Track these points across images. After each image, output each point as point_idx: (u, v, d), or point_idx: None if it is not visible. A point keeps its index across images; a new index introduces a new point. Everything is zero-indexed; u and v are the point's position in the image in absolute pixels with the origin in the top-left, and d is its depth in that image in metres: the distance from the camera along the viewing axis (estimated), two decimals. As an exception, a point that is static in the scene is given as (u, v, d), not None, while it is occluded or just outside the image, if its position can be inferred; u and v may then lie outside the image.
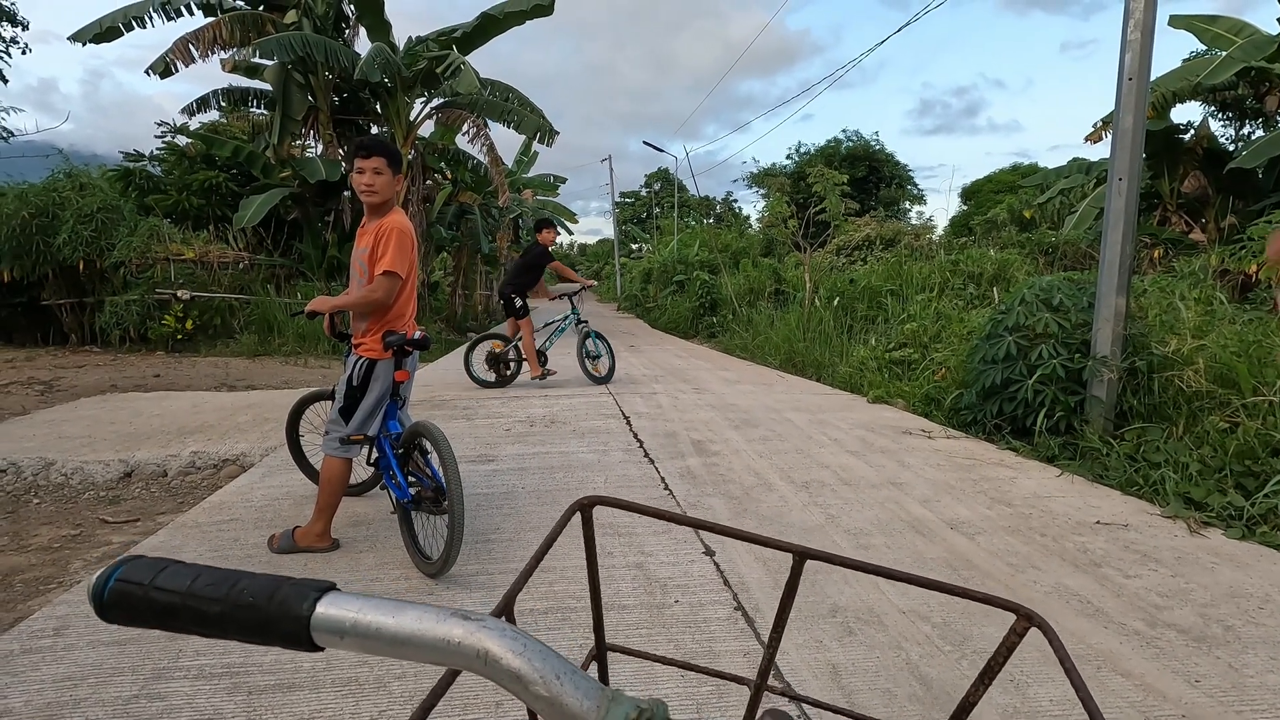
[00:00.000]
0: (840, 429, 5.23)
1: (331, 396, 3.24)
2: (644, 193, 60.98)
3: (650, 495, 3.62)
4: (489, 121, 12.62)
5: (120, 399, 6.70)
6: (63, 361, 9.59)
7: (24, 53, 14.07)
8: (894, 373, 7.04)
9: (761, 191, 37.12)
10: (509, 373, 7.26)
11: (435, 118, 13.17)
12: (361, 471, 3.40)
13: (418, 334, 2.75)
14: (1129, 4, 4.25)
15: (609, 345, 7.55)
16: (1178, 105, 11.14)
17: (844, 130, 36.79)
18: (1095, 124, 12.01)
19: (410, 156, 13.07)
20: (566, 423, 5.40)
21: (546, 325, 7.62)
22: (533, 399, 6.49)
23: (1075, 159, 15.89)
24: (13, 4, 13.91)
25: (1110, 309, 4.38)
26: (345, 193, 13.03)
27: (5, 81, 13.55)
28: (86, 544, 3.50)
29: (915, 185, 39.57)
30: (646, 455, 4.42)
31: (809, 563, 0.62)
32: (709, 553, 2.87)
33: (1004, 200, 21.87)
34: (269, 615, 0.38)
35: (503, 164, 13.02)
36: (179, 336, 10.73)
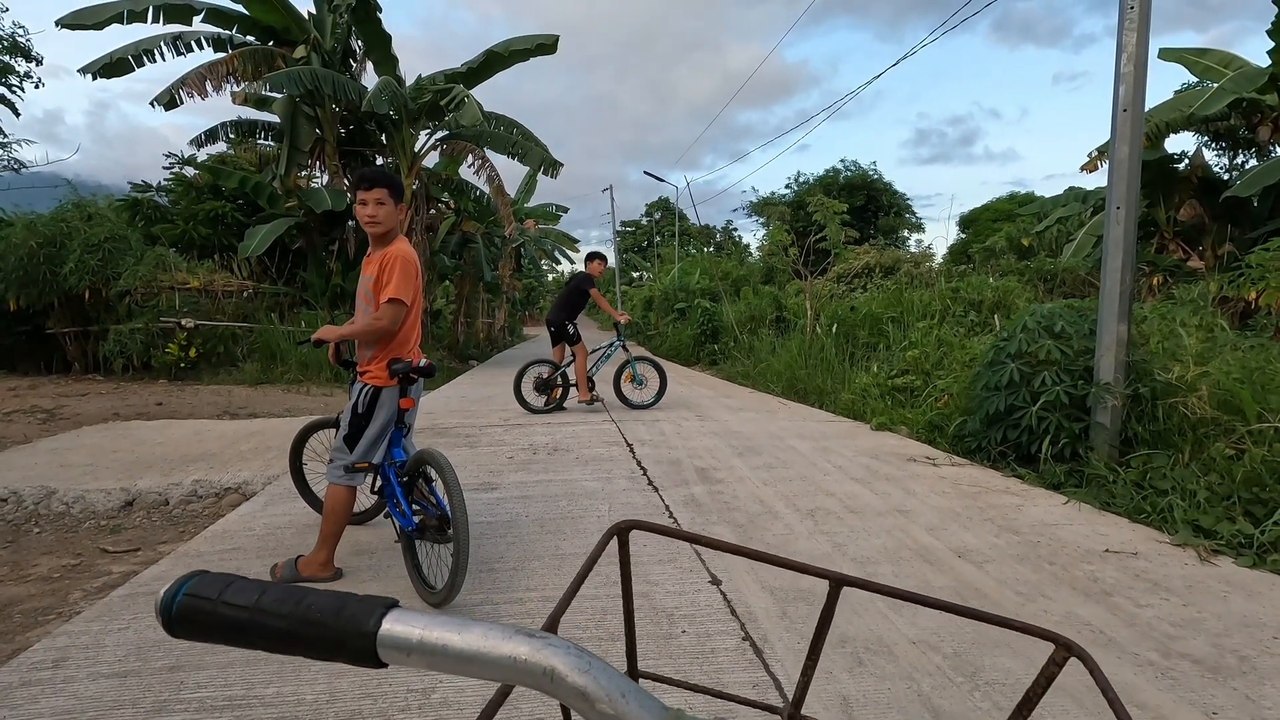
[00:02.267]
0: (844, 456, 5.21)
1: (335, 425, 3.25)
2: (645, 221, 61.62)
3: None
4: (494, 153, 12.81)
5: (123, 427, 6.69)
6: (66, 390, 9.60)
7: (37, 87, 14.37)
8: (896, 400, 7.04)
9: (761, 220, 37.49)
10: (558, 397, 7.49)
11: (440, 149, 13.38)
12: (365, 500, 3.39)
13: (423, 362, 2.77)
14: (1122, 38, 4.35)
15: (662, 373, 7.82)
16: (1171, 135, 11.33)
17: (842, 160, 37.31)
18: (1091, 154, 12.18)
19: (414, 187, 13.24)
20: (570, 450, 5.38)
21: (594, 351, 7.77)
22: (535, 427, 6.48)
23: (1071, 188, 16.07)
24: (28, 40, 14.25)
25: (1112, 335, 4.39)
26: (350, 222, 13.18)
27: (18, 115, 13.83)
28: (87, 574, 3.47)
29: (913, 214, 39.98)
30: (650, 483, 4.40)
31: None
32: (715, 581, 2.85)
33: (1002, 228, 22.09)
34: (337, 632, 0.39)
35: (506, 194, 13.18)
36: (182, 365, 10.76)
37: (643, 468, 4.80)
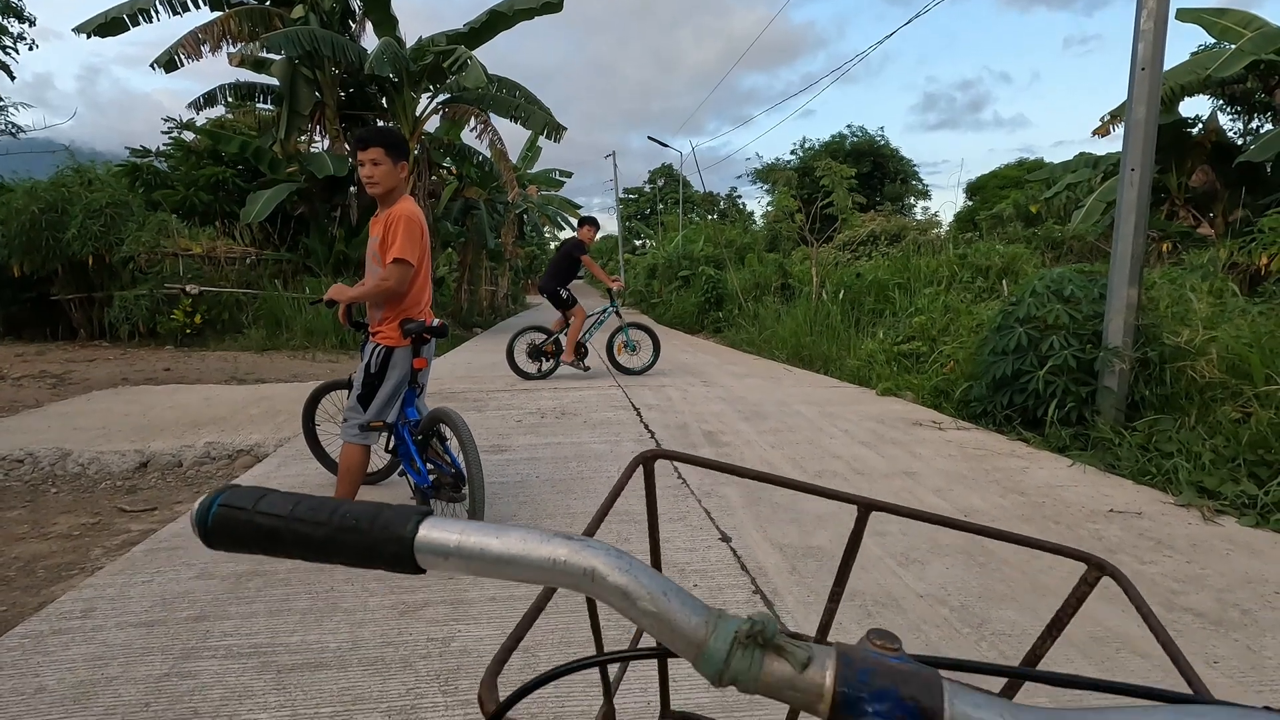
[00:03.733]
0: (850, 421, 5.25)
1: (348, 385, 3.27)
2: (648, 189, 60.97)
3: (663, 484, 3.64)
4: (496, 117, 12.63)
5: (132, 392, 6.74)
6: (73, 355, 9.65)
7: (31, 49, 14.13)
8: (903, 365, 7.05)
9: (766, 187, 37.09)
10: (551, 365, 7.52)
11: (442, 113, 13.18)
12: (378, 460, 3.43)
13: (435, 322, 2.77)
14: (1142, -6, 4.24)
15: (655, 338, 7.78)
16: (1186, 99, 11.11)
17: (849, 126, 36.75)
18: (1103, 118, 11.97)
19: (416, 151, 13.09)
20: (577, 414, 5.42)
21: (588, 318, 7.76)
22: (542, 392, 6.51)
23: (1082, 153, 15.85)
24: (20, 1, 13.97)
25: (1122, 300, 4.38)
26: (352, 188, 13.07)
27: (13, 78, 13.63)
28: (106, 532, 3.53)
29: (920, 181, 39.50)
30: (658, 442, 4.43)
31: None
32: (725, 539, 2.89)
33: (1010, 195, 21.85)
34: (374, 538, 0.39)
35: (509, 159, 13.03)
36: (188, 331, 10.79)
37: (650, 431, 4.84)
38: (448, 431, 2.72)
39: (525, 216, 20.35)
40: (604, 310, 7.89)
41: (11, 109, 15.97)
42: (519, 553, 0.38)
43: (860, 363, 7.52)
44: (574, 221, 29.30)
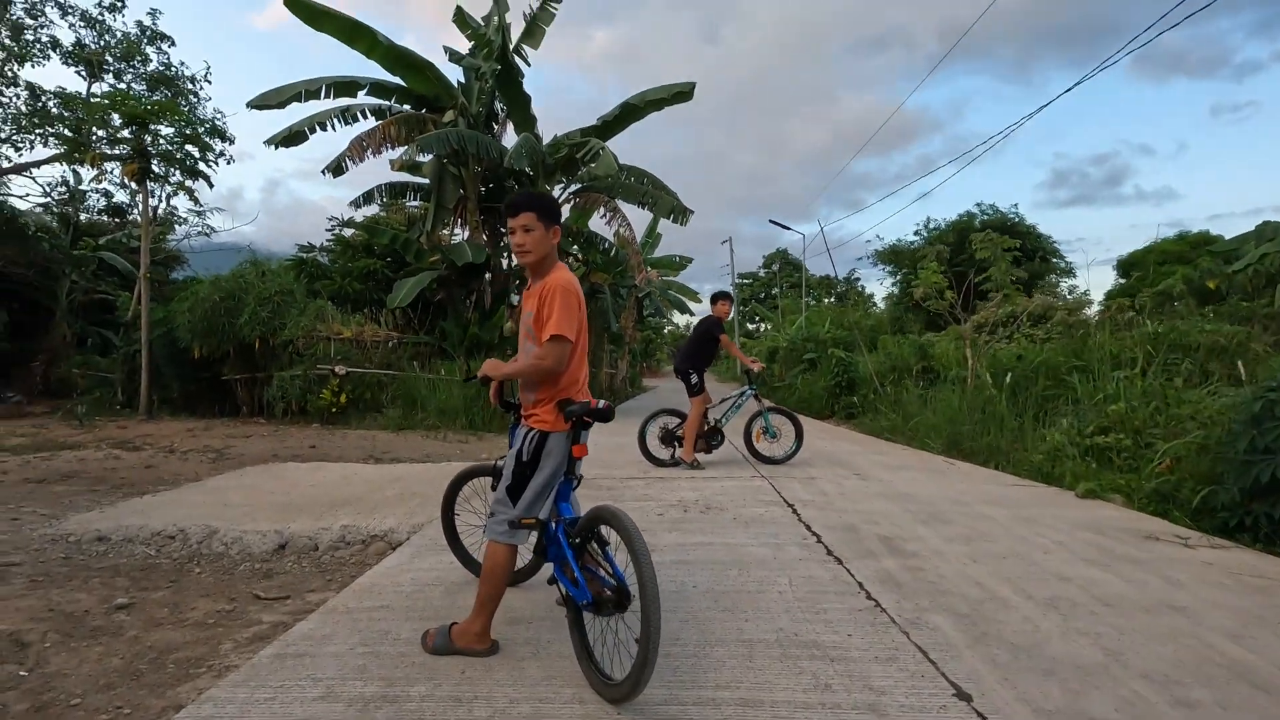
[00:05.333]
0: (1058, 529, 4.31)
1: (491, 473, 2.94)
2: (762, 273, 60.95)
3: (851, 606, 2.96)
4: (624, 203, 12.91)
5: (280, 468, 6.92)
6: (233, 431, 10.32)
7: (228, 164, 16.28)
8: (1103, 461, 5.95)
9: (888, 269, 35.88)
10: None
11: (573, 203, 13.68)
12: (521, 555, 3.03)
13: (601, 403, 2.38)
14: None
15: (798, 424, 7.22)
16: None
17: (978, 204, 35.00)
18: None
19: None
20: (724, 509, 4.84)
21: (723, 401, 7.31)
22: (680, 481, 6.00)
23: (1268, 222, 13.92)
24: (224, 123, 16.27)
25: None
26: (486, 274, 13.66)
27: (211, 186, 15.69)
28: (239, 621, 3.33)
29: (1062, 258, 36.66)
30: (829, 553, 3.76)
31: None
32: (963, 697, 2.18)
33: (1176, 271, 19.54)
34: None
35: (636, 243, 13.18)
36: (333, 410, 11.34)
37: (814, 533, 4.17)
38: (610, 534, 2.27)
39: (648, 300, 20.57)
40: (741, 393, 7.36)
41: (208, 213, 18.43)
42: None
43: (1043, 457, 6.46)
44: (692, 307, 29.50)
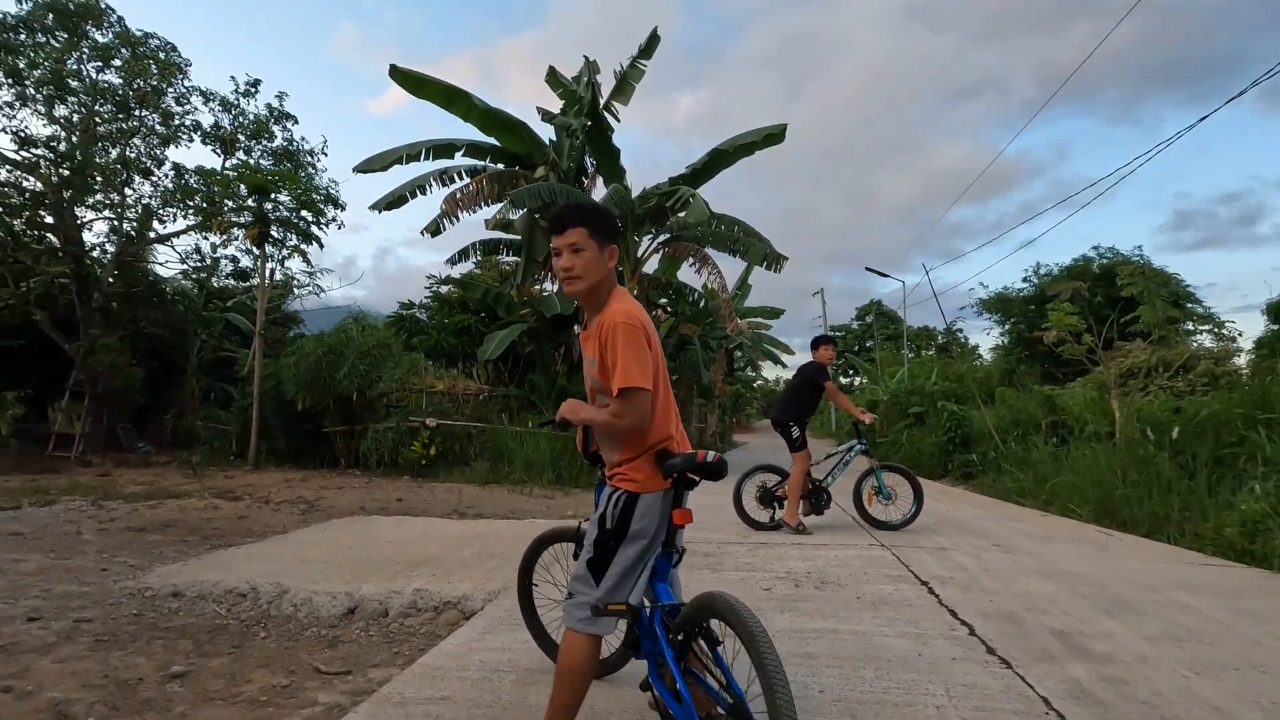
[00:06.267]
0: (1298, 629, 3.31)
1: (575, 538, 2.44)
2: (855, 325, 58.89)
3: (1041, 733, 2.21)
4: (714, 251, 12.55)
5: (363, 522, 6.73)
6: (328, 483, 10.43)
7: (339, 228, 17.31)
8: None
9: (995, 318, 33.64)
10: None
11: (662, 253, 13.46)
12: (608, 644, 2.49)
13: (710, 456, 1.85)
14: None
15: (916, 485, 6.34)
16: None
17: (1095, 247, 32.24)
18: None
19: (635, 292, 13.38)
20: (843, 584, 4.11)
21: (829, 456, 6.60)
22: (787, 548, 5.29)
23: None
24: (337, 190, 17.40)
25: None
26: (575, 326, 13.55)
27: (321, 246, 16.65)
28: (292, 701, 2.95)
29: (1198, 302, 33.08)
30: (991, 650, 2.98)
31: None
32: None
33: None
34: None
35: (728, 292, 12.73)
36: (423, 462, 11.32)
37: (963, 621, 3.38)
38: (721, 629, 1.71)
39: (740, 351, 19.94)
40: (849, 448, 6.58)
41: (319, 274, 19.63)
42: None
43: (1237, 530, 5.29)
44: (784, 360, 28.53)
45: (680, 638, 1.81)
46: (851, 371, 43.70)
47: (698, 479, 1.90)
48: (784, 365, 27.61)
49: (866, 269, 27.62)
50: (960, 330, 46.99)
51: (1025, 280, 35.62)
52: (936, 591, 3.94)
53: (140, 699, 2.94)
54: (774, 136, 11.18)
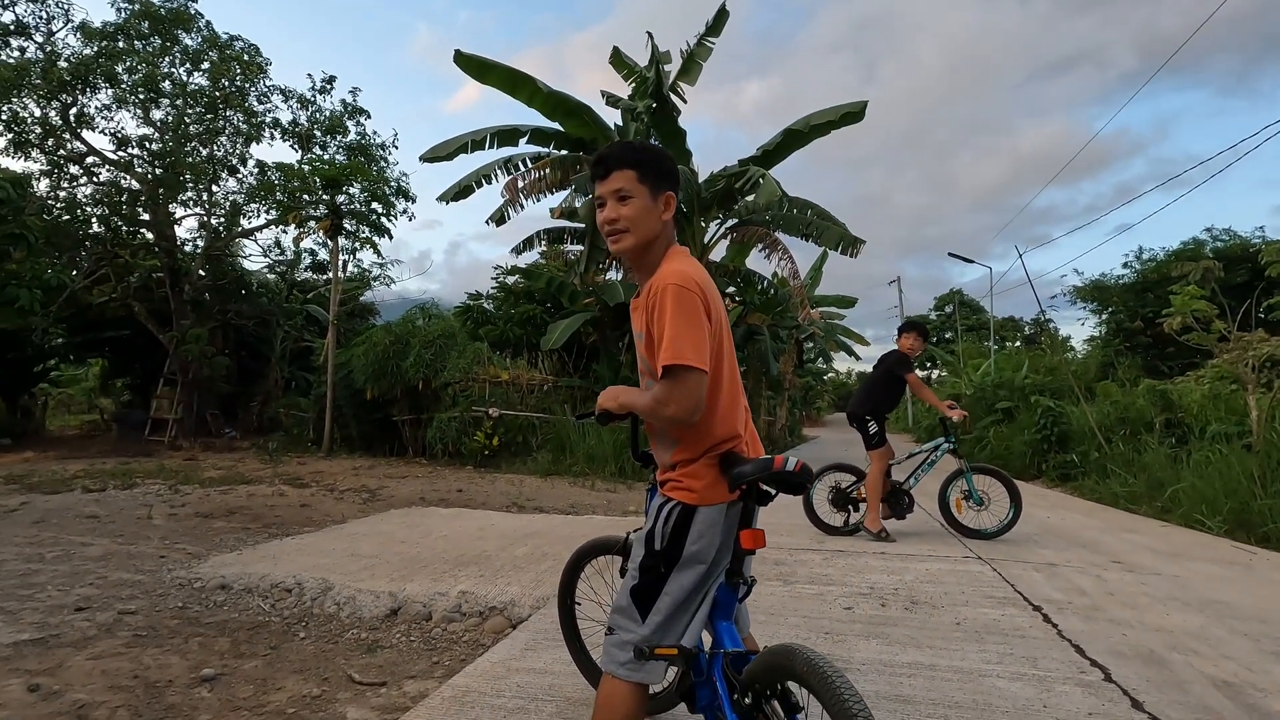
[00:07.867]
0: None
1: (621, 550, 2.05)
2: (933, 316, 56.18)
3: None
4: (785, 236, 11.91)
5: (420, 514, 6.59)
6: (392, 471, 10.47)
7: (409, 220, 17.55)
8: None
9: (1090, 307, 31.21)
10: (861, 516, 5.74)
11: (730, 239, 12.91)
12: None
13: (790, 463, 1.41)
14: None
15: (1013, 489, 5.62)
16: None
17: (1207, 229, 29.27)
18: None
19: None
20: (937, 605, 3.57)
21: (912, 456, 6.01)
22: (868, 557, 4.75)
23: None
24: (408, 183, 17.64)
25: None
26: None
27: (390, 238, 16.88)
28: (319, 715, 2.70)
29: (1334, 290, 29.61)
30: (1137, 706, 2.41)
31: None
32: None
33: None
34: None
35: (800, 278, 12.07)
36: (485, 452, 11.24)
37: (1095, 663, 2.80)
38: (799, 691, 1.28)
39: (812, 341, 19.12)
40: (936, 446, 5.93)
41: (389, 265, 20.06)
42: None
43: None
44: (859, 353, 27.30)
45: (748, 700, 1.38)
46: (930, 363, 41.65)
47: (774, 492, 1.47)
48: (857, 357, 26.45)
49: (950, 254, 26.00)
50: (1050, 321, 44.04)
51: (1126, 266, 32.87)
52: (1054, 620, 3.34)
53: (165, 704, 2.76)
54: (852, 115, 10.42)
